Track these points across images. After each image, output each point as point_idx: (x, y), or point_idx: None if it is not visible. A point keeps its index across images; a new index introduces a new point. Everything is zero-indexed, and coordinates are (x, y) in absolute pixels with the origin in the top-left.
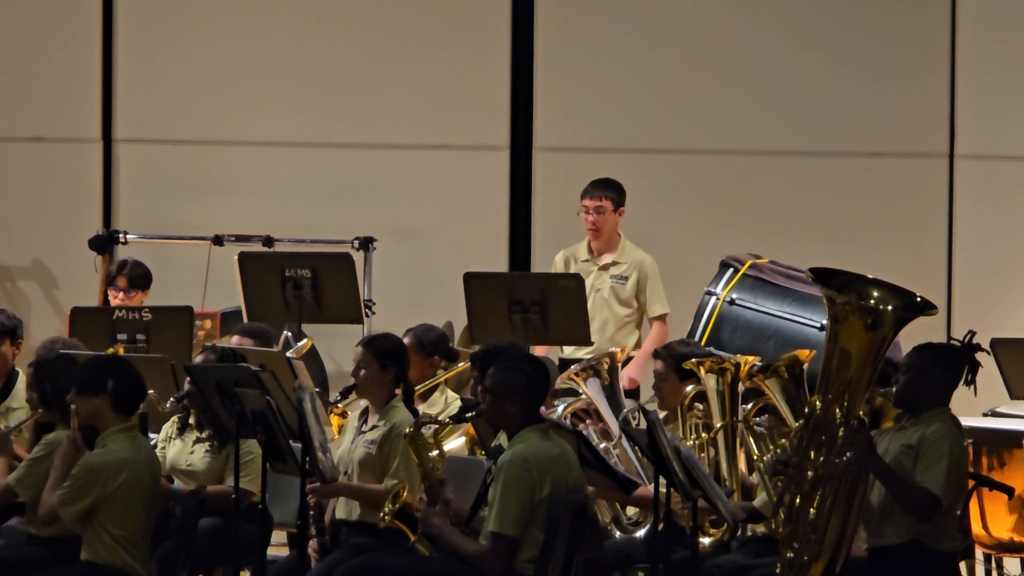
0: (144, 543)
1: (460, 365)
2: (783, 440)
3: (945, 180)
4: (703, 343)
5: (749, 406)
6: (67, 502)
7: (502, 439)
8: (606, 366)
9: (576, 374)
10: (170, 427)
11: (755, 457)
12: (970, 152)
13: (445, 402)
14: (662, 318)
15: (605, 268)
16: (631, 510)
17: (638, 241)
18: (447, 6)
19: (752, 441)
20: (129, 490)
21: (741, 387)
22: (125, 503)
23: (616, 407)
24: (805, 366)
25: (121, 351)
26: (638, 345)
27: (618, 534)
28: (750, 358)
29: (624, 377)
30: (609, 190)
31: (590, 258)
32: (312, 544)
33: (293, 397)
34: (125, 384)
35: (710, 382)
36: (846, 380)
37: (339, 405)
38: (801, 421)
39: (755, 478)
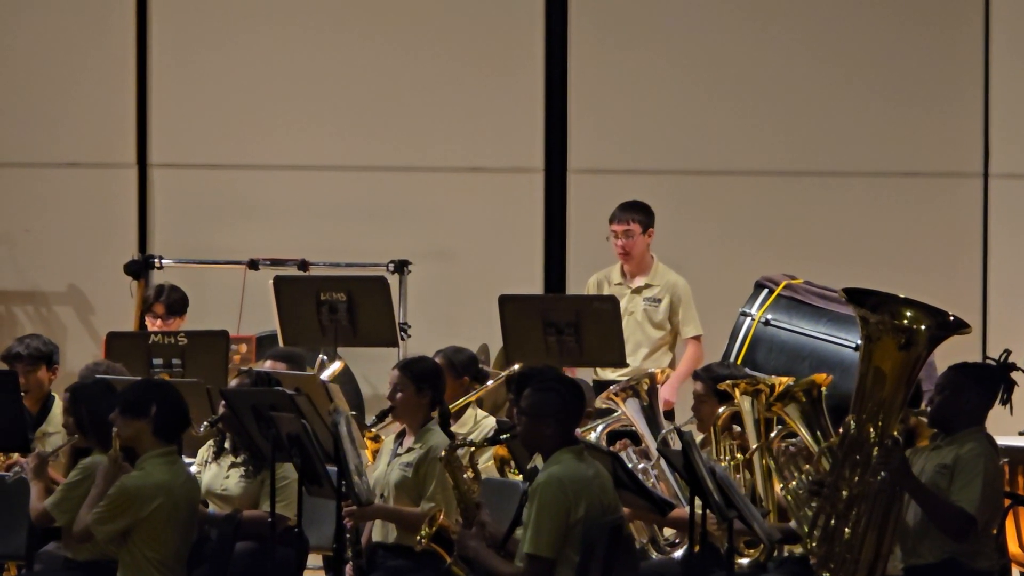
0: (180, 567)
1: (489, 384)
2: (807, 466)
3: (980, 199)
4: (738, 364)
5: (773, 434)
6: (101, 521)
7: (538, 461)
8: (646, 386)
9: (615, 394)
10: (206, 451)
11: (780, 486)
12: (1005, 171)
13: (475, 420)
14: (696, 339)
15: (638, 291)
16: (668, 531)
17: (672, 262)
18: (481, 29)
19: (776, 469)
20: (164, 514)
21: (765, 413)
22: (160, 527)
23: (655, 427)
24: (823, 389)
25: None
26: (672, 367)
27: (655, 555)
28: (784, 379)
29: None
30: (636, 212)
31: (623, 281)
32: (348, 568)
33: (329, 421)
34: (168, 410)
35: (744, 404)
36: (880, 400)
37: (372, 429)
38: (824, 444)
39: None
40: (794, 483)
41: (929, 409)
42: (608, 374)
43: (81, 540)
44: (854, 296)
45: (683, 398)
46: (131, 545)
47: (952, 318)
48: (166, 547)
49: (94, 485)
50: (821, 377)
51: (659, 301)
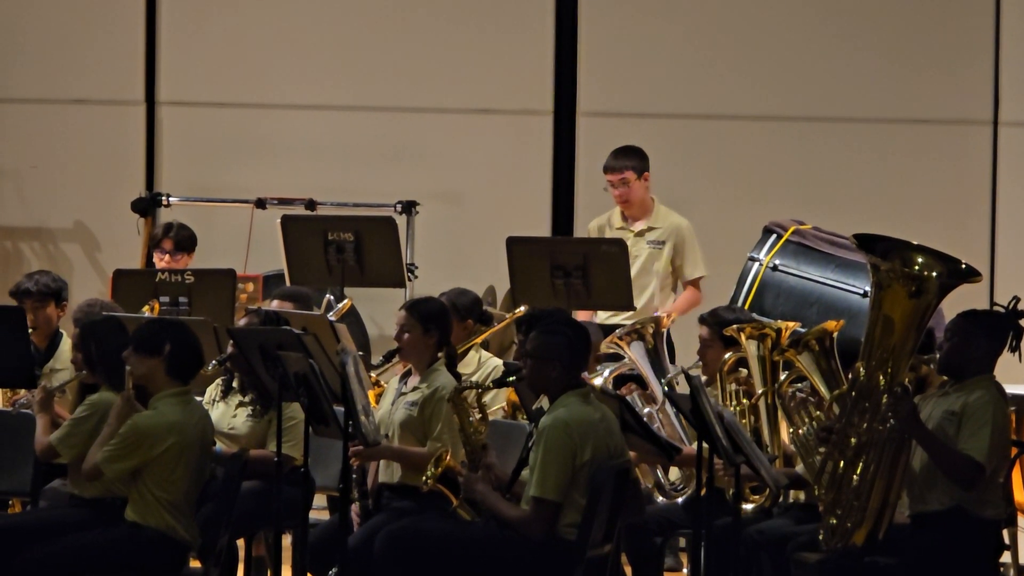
0: (189, 507)
1: (495, 327)
2: (818, 412)
3: (989, 147)
4: (746, 309)
5: (783, 377)
6: (111, 460)
7: (544, 402)
8: (651, 330)
9: (620, 338)
10: (214, 390)
11: (790, 430)
12: (1014, 119)
13: (479, 362)
14: (697, 282)
15: (641, 235)
16: (674, 475)
17: (680, 205)
18: None
19: (786, 414)
20: (175, 454)
21: (778, 357)
22: (171, 467)
23: (660, 371)
24: (835, 335)
25: (157, 309)
26: None
27: (660, 499)
28: (791, 324)
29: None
30: (629, 159)
31: (625, 225)
32: (354, 508)
33: (336, 360)
34: (182, 349)
35: (751, 348)
36: (889, 347)
37: (373, 374)
38: (836, 391)
39: (792, 447)
40: (804, 429)
41: (938, 356)
42: (612, 318)
43: (90, 478)
44: (865, 242)
45: (684, 339)
46: (141, 484)
47: (964, 265)
48: (176, 487)
49: (106, 424)
50: (833, 324)
51: (663, 243)
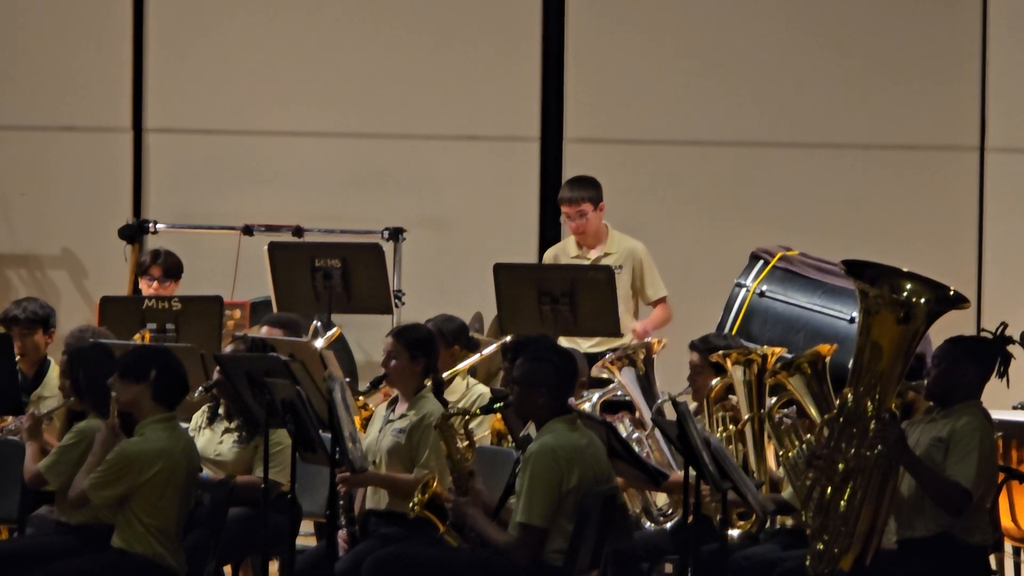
0: (176, 534)
1: (482, 353)
2: (808, 436)
3: (976, 173)
4: (733, 335)
5: (773, 400)
6: (98, 487)
7: (531, 429)
8: (642, 356)
9: (611, 363)
10: (200, 416)
11: (779, 453)
12: (1001, 145)
13: (467, 387)
14: (663, 300)
15: (597, 261)
16: (661, 500)
17: (666, 232)
18: None
19: (776, 437)
20: (163, 480)
21: (769, 381)
22: (158, 493)
23: (651, 397)
24: (827, 359)
25: (148, 337)
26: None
27: (649, 525)
28: (777, 349)
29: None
30: (585, 190)
31: (580, 252)
32: (341, 534)
33: (323, 387)
34: (167, 376)
35: (737, 374)
36: (878, 373)
37: (361, 398)
38: (826, 415)
39: (781, 472)
40: (793, 452)
41: (926, 382)
42: (583, 345)
43: (77, 505)
44: (853, 268)
45: (671, 367)
46: (128, 511)
47: (952, 292)
48: (163, 514)
49: (91, 452)
50: (825, 348)
51: (620, 268)
